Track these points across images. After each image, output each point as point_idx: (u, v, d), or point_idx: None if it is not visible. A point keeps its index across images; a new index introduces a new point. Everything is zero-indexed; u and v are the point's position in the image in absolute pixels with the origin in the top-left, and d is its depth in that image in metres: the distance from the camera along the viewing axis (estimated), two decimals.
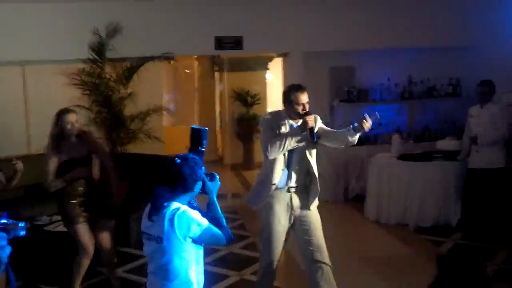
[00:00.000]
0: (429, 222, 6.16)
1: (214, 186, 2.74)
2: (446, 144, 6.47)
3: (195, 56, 11.44)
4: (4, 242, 2.67)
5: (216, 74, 11.67)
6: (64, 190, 4.13)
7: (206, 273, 2.71)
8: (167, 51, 7.06)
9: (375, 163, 6.54)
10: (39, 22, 6.97)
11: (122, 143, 7.11)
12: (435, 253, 2.41)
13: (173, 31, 7.34)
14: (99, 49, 6.92)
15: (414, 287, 4.49)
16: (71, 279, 4.29)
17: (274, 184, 3.75)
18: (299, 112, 3.70)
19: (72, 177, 4.11)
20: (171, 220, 2.50)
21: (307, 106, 3.71)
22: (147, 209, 2.63)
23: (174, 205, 2.56)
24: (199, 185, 2.65)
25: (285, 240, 3.88)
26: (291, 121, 3.78)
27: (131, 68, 7.14)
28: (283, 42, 7.84)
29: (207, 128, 2.85)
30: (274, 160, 3.70)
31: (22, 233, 2.97)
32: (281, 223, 3.80)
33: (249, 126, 10.40)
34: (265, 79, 10.98)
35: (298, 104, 3.70)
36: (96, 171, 4.39)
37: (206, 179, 2.70)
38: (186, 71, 12.69)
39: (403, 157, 6.44)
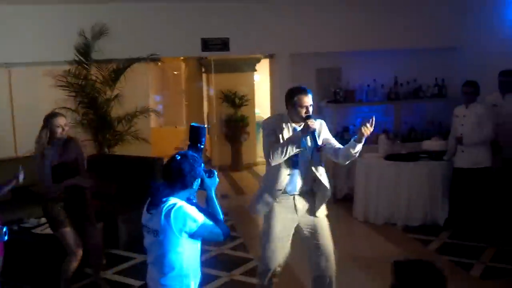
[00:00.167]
0: (417, 222, 6.21)
1: (213, 183, 2.81)
2: (432, 144, 6.55)
3: (182, 58, 11.42)
4: None
5: (204, 76, 11.66)
6: (52, 193, 4.12)
7: None
8: (154, 53, 7.05)
9: (363, 163, 6.58)
10: (25, 24, 6.90)
11: (109, 145, 7.08)
12: (391, 261, 2.38)
13: (159, 33, 7.32)
14: (85, 50, 6.90)
15: None
16: (59, 281, 4.29)
17: (280, 190, 3.64)
18: (301, 115, 3.59)
19: (74, 183, 4.14)
20: (167, 215, 2.57)
21: (310, 109, 3.60)
22: (147, 203, 2.71)
23: (172, 200, 2.63)
24: (197, 182, 2.72)
25: (288, 247, 3.77)
26: (294, 125, 3.68)
27: (118, 69, 7.12)
28: (270, 43, 7.87)
29: (206, 126, 2.92)
30: (279, 165, 3.59)
31: (5, 238, 2.95)
32: (284, 228, 3.70)
33: (237, 127, 10.39)
34: (253, 80, 10.98)
35: (301, 106, 3.58)
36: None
37: (205, 176, 2.76)
38: (174, 72, 12.66)
39: (390, 157, 6.49)
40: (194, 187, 2.71)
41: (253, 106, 10.81)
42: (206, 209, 2.77)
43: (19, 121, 7.37)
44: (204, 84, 11.77)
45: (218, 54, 7.97)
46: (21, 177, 3.97)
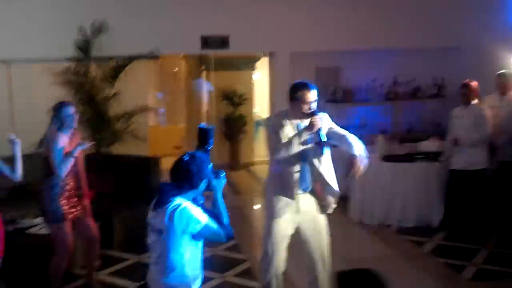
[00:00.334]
0: (412, 223, 6.21)
1: (219, 184, 2.83)
2: (429, 145, 6.54)
3: (182, 55, 11.42)
4: None
5: (203, 74, 11.65)
6: (54, 186, 4.12)
7: None
8: (153, 50, 7.05)
9: None
10: (25, 20, 6.94)
11: (107, 143, 7.08)
12: (335, 272, 2.38)
13: (159, 30, 7.34)
14: (84, 47, 6.91)
15: None
16: (49, 282, 4.27)
17: (294, 187, 3.56)
18: (305, 112, 3.48)
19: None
20: (172, 215, 2.61)
21: (314, 105, 3.50)
22: (153, 201, 2.75)
23: (178, 200, 2.67)
24: (204, 183, 2.75)
25: (287, 247, 3.73)
26: (297, 121, 3.57)
27: (117, 67, 7.11)
28: (270, 41, 7.87)
29: (214, 127, 2.99)
30: (286, 164, 3.51)
31: None
32: (286, 229, 3.64)
33: (236, 126, 10.38)
34: (252, 79, 10.98)
35: (304, 102, 3.47)
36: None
37: (212, 177, 2.79)
38: (174, 70, 12.65)
39: (387, 158, 6.49)
40: (200, 187, 2.74)
41: (252, 105, 10.80)
42: (212, 210, 2.79)
43: (18, 118, 7.39)
44: (205, 81, 11.75)
45: (217, 52, 7.98)
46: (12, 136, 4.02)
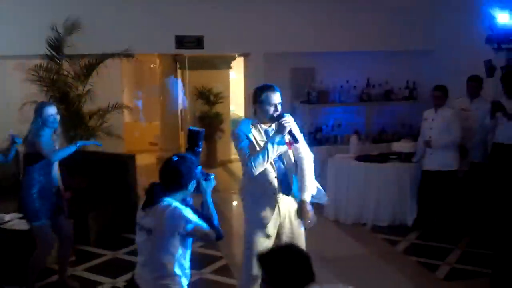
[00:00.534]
0: (386, 222, 6.31)
1: (208, 186, 2.86)
2: (401, 145, 6.64)
3: (157, 54, 11.33)
4: None
5: (179, 72, 11.59)
6: (33, 185, 4.11)
7: None
8: (127, 49, 6.99)
9: (334, 163, 6.66)
10: None
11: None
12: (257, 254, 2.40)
13: (133, 29, 7.29)
14: (56, 45, 6.81)
15: (371, 287, 4.61)
16: (27, 277, 4.25)
17: (275, 194, 3.49)
18: (270, 114, 3.41)
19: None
20: (162, 215, 2.62)
21: (279, 107, 3.43)
22: (143, 201, 2.76)
23: (167, 201, 2.68)
24: (193, 184, 2.77)
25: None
26: (264, 126, 3.50)
27: (90, 65, 7.04)
28: (244, 42, 7.89)
29: (203, 130, 2.99)
30: (264, 171, 3.39)
31: None
32: (269, 234, 3.55)
33: (212, 124, 10.36)
34: (228, 77, 10.97)
35: (269, 104, 3.40)
36: None
37: (201, 179, 2.81)
38: (149, 67, 12.55)
39: (360, 158, 6.58)
40: (189, 189, 2.76)
41: (228, 104, 10.80)
42: (201, 212, 2.81)
43: None
44: (179, 80, 11.70)
45: (192, 52, 7.95)
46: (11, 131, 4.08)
